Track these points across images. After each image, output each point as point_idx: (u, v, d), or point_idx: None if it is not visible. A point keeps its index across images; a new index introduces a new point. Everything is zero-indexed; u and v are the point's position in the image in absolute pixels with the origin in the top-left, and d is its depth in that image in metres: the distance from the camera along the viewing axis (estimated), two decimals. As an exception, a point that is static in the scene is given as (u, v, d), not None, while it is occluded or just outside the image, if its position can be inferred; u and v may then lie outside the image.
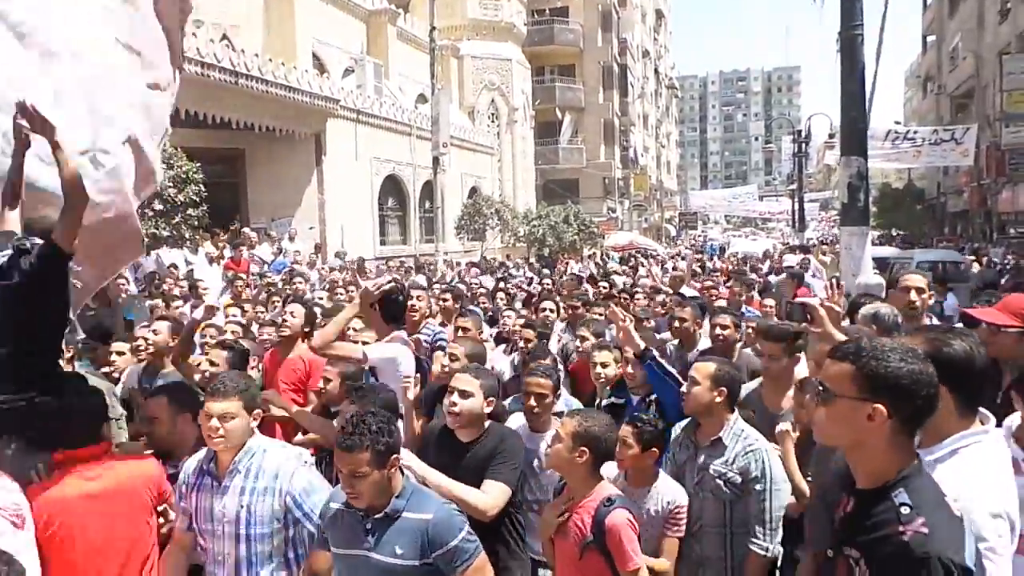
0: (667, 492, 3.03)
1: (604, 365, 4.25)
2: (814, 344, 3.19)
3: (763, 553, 2.96)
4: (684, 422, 3.33)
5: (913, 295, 3.97)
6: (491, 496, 2.94)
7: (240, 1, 17.28)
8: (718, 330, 4.82)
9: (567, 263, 18.19)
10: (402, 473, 2.49)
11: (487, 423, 3.19)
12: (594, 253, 24.00)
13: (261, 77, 14.58)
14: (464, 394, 3.10)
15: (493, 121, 30.58)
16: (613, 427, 2.83)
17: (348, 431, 2.34)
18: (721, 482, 3.03)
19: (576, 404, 4.08)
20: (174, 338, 4.71)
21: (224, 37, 15.79)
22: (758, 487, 2.99)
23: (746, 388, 3.68)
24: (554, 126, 38.76)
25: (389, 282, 4.07)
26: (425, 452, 3.14)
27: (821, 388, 1.74)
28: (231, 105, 14.17)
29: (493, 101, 30.49)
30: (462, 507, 2.72)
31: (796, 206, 32.03)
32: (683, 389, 3.33)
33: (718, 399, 3.10)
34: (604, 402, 4.06)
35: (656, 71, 57.87)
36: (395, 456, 2.37)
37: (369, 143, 19.77)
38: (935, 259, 15.57)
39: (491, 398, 3.16)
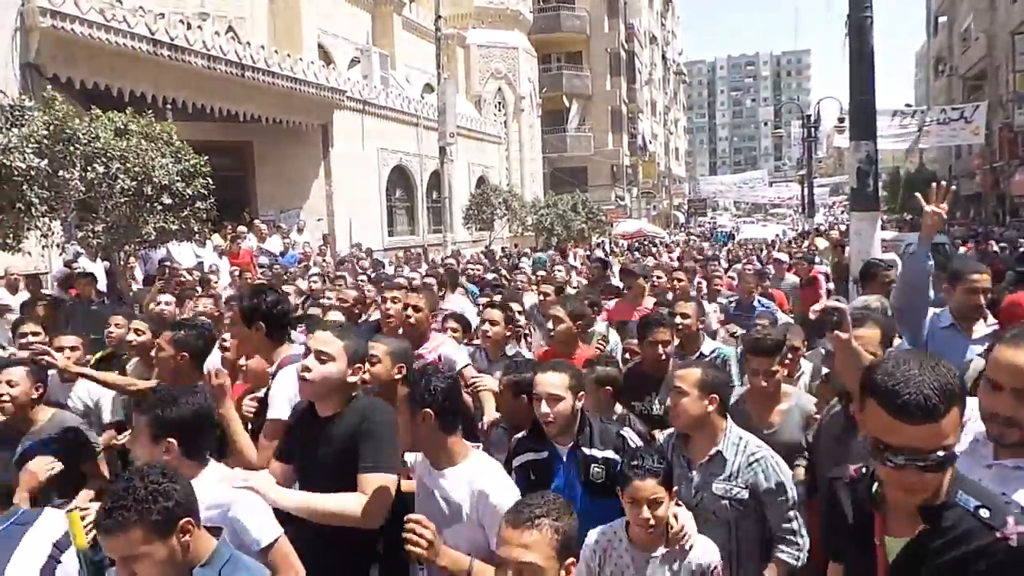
0: (699, 555, 2.41)
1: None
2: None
3: (793, 562, 2.68)
4: (664, 433, 2.99)
5: (981, 297, 3.70)
6: (369, 499, 2.37)
7: (245, -7, 17.28)
8: (660, 348, 3.85)
9: (575, 252, 18.17)
10: (215, 534, 1.94)
11: (354, 394, 2.62)
12: (602, 241, 23.94)
13: (267, 69, 14.59)
14: (321, 356, 2.52)
15: (500, 110, 30.47)
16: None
17: (108, 507, 1.72)
18: (726, 502, 2.69)
19: None
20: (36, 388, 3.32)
21: (230, 29, 15.79)
22: (780, 499, 2.68)
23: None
24: (561, 114, 38.64)
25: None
26: (291, 432, 2.69)
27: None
28: (237, 98, 14.19)
29: (500, 90, 30.37)
30: (340, 523, 2.31)
31: (805, 191, 31.84)
32: (667, 403, 2.91)
33: (710, 407, 2.73)
34: (517, 461, 2.83)
35: (664, 57, 57.45)
36: (185, 520, 1.78)
37: (376, 134, 19.77)
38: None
39: (357, 365, 2.60)
